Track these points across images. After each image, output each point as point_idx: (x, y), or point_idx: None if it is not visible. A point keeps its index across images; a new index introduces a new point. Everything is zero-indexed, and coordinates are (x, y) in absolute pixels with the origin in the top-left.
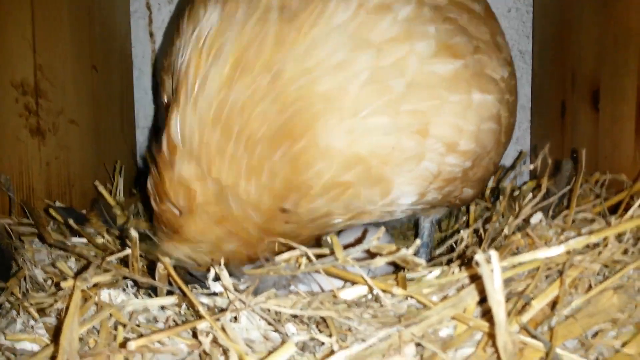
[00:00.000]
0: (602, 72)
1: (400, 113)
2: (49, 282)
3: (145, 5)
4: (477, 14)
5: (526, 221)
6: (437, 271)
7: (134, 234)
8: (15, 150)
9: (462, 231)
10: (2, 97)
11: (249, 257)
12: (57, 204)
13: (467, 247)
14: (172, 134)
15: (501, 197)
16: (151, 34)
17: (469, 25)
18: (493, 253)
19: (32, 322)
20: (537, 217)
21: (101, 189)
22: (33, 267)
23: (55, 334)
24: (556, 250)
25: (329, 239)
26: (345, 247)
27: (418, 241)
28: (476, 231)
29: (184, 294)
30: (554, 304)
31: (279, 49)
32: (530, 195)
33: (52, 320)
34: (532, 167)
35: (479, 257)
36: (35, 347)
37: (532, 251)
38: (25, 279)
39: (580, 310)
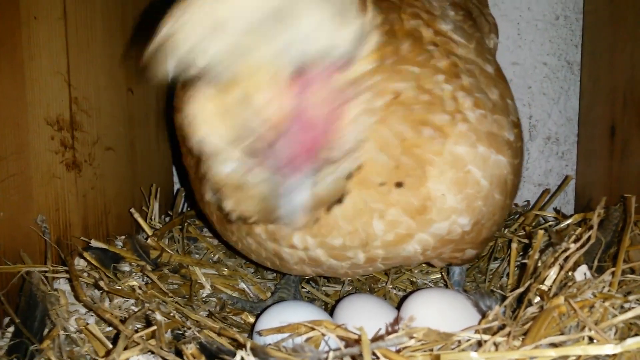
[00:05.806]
0: None
1: None
2: (84, 337)
3: None
4: (489, 74)
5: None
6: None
7: (159, 318)
8: (51, 187)
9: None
10: (37, 136)
11: None
12: (93, 242)
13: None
14: None
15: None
16: None
17: (483, 84)
18: None
19: None
20: (582, 270)
21: (136, 216)
22: (67, 323)
23: None
24: (610, 349)
25: (354, 328)
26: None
27: None
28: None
29: None
30: None
31: None
32: (573, 245)
33: None
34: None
35: None
36: None
37: (583, 346)
38: (59, 337)
39: None
